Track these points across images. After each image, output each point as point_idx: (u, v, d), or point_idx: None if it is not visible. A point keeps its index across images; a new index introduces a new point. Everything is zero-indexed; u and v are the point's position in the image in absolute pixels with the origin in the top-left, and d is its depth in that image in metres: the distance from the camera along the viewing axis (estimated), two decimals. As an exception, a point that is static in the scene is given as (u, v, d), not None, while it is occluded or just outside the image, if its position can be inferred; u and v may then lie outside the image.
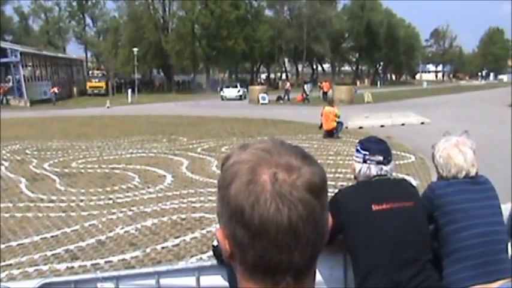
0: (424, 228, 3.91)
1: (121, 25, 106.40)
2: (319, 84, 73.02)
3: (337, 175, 15.87)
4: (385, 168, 3.95)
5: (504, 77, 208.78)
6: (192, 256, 9.39)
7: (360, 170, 3.99)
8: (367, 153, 3.96)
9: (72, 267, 8.91)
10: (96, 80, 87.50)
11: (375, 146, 4.01)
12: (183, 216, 11.91)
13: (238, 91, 73.74)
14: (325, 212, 1.27)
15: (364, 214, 3.75)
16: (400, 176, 14.98)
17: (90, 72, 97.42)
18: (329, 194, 1.40)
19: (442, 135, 4.38)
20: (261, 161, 1.25)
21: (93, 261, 9.15)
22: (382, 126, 31.46)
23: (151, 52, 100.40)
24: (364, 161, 3.96)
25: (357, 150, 4.05)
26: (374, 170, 3.94)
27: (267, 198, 1.20)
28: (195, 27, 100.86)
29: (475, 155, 4.15)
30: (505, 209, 4.50)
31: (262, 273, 1.25)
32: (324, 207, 1.26)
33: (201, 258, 9.03)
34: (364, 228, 3.74)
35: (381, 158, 3.94)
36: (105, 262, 9.14)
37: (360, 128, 30.37)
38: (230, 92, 73.28)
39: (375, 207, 3.75)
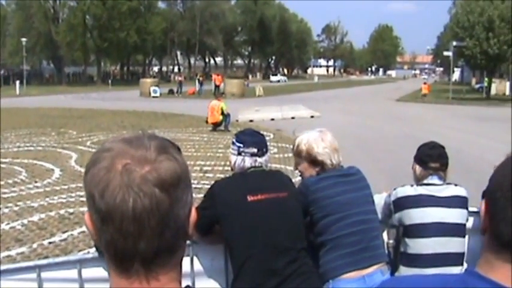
0: (298, 217, 4.03)
1: (9, 13, 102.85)
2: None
3: (226, 168, 15.95)
4: (259, 160, 4.05)
5: (393, 73, 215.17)
6: (80, 251, 9.28)
7: (235, 162, 4.08)
8: (241, 145, 4.05)
9: (-46, 265, 8.66)
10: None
11: (249, 139, 4.10)
12: (71, 210, 11.75)
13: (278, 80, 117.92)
14: (178, 207, 1.32)
15: (239, 205, 3.84)
16: (289, 168, 15.27)
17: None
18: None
19: (293, 134, 4.57)
20: (120, 151, 1.31)
21: (-23, 258, 8.93)
22: (272, 119, 31.79)
23: (40, 43, 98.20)
24: (239, 153, 4.05)
25: (233, 143, 4.13)
26: (248, 161, 4.03)
27: (115, 187, 1.26)
28: (86, 18, 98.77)
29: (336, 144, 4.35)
30: (381, 197, 4.72)
31: (113, 257, 1.32)
32: (177, 201, 1.32)
33: (88, 252, 8.96)
34: (239, 218, 3.83)
35: (255, 150, 4.04)
36: (-11, 259, 8.92)
37: (251, 121, 30.46)
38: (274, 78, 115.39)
39: (250, 198, 3.85)
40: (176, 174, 1.31)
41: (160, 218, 1.28)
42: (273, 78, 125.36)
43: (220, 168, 15.93)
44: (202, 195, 4.09)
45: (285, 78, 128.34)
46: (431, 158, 4.55)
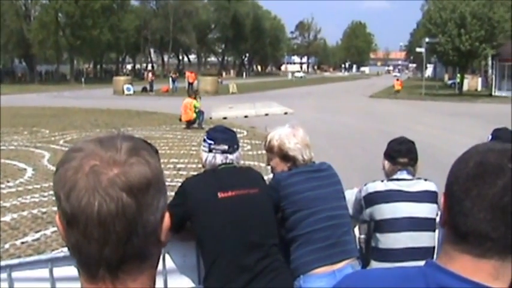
0: (269, 213, 4.06)
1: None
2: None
3: (199, 165, 15.90)
4: (230, 156, 4.07)
5: (366, 69, 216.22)
6: (53, 250, 9.21)
7: (206, 159, 4.11)
8: (212, 142, 4.08)
9: None
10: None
11: (220, 136, 4.12)
12: (44, 210, 11.66)
13: (301, 76, 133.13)
14: (147, 212, 1.27)
15: (210, 202, 3.86)
16: (262, 165, 15.30)
17: None
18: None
19: (265, 130, 4.60)
20: (89, 152, 1.27)
21: None
22: (246, 116, 31.72)
23: (12, 41, 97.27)
24: (210, 150, 4.08)
25: (204, 140, 4.16)
26: (219, 158, 4.06)
27: (81, 190, 1.22)
28: (58, 15, 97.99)
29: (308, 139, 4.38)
30: (352, 193, 4.75)
31: (79, 262, 1.29)
32: (146, 207, 1.27)
33: (61, 251, 8.90)
34: (210, 215, 3.85)
35: (225, 147, 4.06)
36: (-39, 260, 8.82)
37: (224, 118, 30.39)
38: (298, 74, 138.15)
39: (220, 195, 3.87)
40: (146, 179, 1.26)
41: (126, 223, 1.24)
42: (297, 74, 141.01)
43: (194, 165, 15.89)
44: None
45: (305, 74, 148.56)
46: (400, 153, 4.59)
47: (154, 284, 1.37)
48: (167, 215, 1.36)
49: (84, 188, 1.22)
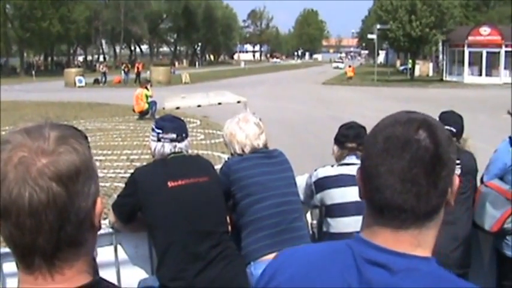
0: (219, 201, 4.08)
1: None
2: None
3: (153, 156, 15.88)
4: (179, 145, 4.07)
5: (319, 56, 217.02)
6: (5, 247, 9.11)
7: (155, 148, 4.09)
8: (160, 131, 4.07)
9: None
10: None
11: (168, 124, 4.11)
12: (-6, 205, 11.49)
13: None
14: (79, 200, 1.29)
15: (160, 191, 3.86)
16: (216, 154, 15.30)
17: None
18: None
19: (244, 108, 4.63)
20: (17, 144, 1.28)
21: None
22: (199, 106, 31.72)
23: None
24: (159, 140, 4.07)
25: (152, 129, 4.15)
26: (168, 147, 4.05)
27: (10, 182, 1.23)
28: (6, 7, 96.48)
29: (260, 129, 4.38)
30: (303, 179, 4.78)
31: (15, 253, 1.30)
32: (76, 194, 1.29)
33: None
34: (161, 205, 3.85)
35: (174, 135, 4.05)
36: None
37: (177, 108, 30.26)
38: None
39: (170, 184, 3.87)
40: (75, 167, 1.28)
41: (58, 212, 1.26)
42: (296, 59, 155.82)
43: (147, 156, 15.75)
44: (129, 184, 4.08)
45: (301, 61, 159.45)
46: (348, 138, 4.62)
47: (91, 268, 1.38)
48: (99, 200, 1.37)
49: (14, 180, 1.24)
